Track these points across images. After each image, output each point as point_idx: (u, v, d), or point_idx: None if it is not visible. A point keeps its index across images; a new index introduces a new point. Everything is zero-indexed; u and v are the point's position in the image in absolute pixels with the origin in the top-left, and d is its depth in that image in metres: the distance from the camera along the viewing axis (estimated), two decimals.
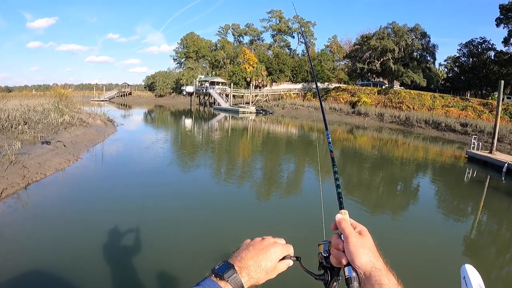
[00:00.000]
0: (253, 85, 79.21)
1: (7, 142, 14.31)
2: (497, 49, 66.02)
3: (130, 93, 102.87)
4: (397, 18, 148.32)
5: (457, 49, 73.54)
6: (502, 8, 57.28)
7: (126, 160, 18.05)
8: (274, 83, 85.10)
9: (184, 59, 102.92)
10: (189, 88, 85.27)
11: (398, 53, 62.52)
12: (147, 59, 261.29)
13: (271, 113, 61.76)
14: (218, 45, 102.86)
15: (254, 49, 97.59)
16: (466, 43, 70.65)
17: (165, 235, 8.73)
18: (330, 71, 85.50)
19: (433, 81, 69.95)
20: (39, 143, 16.12)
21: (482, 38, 68.62)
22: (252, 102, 69.88)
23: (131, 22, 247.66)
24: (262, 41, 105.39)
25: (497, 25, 59.69)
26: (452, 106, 50.37)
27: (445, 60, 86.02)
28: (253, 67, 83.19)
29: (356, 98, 59.71)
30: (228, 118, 52.21)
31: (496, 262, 9.06)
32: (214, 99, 74.46)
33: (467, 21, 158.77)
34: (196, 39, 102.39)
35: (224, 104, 69.09)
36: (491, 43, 67.74)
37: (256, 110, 62.27)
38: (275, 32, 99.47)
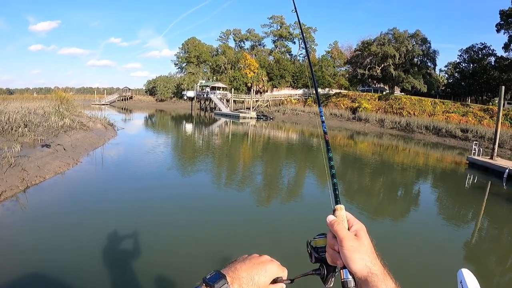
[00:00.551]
0: (253, 90, 79.21)
1: (7, 145, 14.29)
2: (497, 54, 66.16)
3: (131, 97, 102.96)
4: (397, 24, 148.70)
5: (458, 55, 73.69)
6: (502, 13, 57.40)
7: (126, 164, 18.04)
8: (275, 89, 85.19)
9: (185, 64, 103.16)
10: (190, 93, 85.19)
11: (399, 59, 62.52)
12: (149, 64, 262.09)
13: (272, 118, 61.73)
14: (219, 50, 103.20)
15: (255, 55, 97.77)
16: (466, 48, 70.77)
17: (164, 239, 8.70)
18: (331, 77, 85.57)
19: (433, 87, 69.87)
20: (39, 146, 16.10)
21: (482, 44, 68.75)
22: (252, 108, 69.88)
23: (133, 26, 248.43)
24: (263, 46, 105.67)
25: (497, 31, 59.78)
26: (452, 112, 50.36)
27: (445, 66, 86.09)
28: (254, 73, 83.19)
29: (356, 104, 59.68)
30: (228, 123, 52.14)
31: (496, 268, 9.03)
32: (214, 104, 74.39)
33: (467, 27, 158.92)
34: (197, 44, 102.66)
35: (224, 109, 69.09)
36: (492, 48, 67.93)
37: (257, 115, 62.32)
38: (276, 38, 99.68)
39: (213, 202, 12.59)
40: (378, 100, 60.97)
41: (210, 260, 7.54)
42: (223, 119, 58.82)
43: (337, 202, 1.25)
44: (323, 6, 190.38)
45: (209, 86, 79.95)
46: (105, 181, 14.54)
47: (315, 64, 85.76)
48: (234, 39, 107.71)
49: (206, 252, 8.11)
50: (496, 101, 55.11)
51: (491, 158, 22.94)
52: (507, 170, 19.36)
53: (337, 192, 1.28)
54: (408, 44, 62.81)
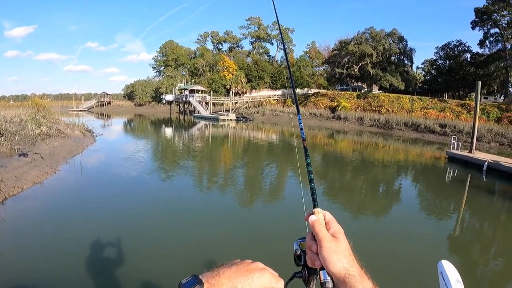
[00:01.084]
0: (233, 92, 78.99)
1: None
2: (473, 51, 67.89)
3: (109, 103, 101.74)
4: (375, 24, 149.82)
5: (434, 52, 75.17)
6: (477, 11, 58.72)
7: (106, 171, 17.56)
8: (253, 90, 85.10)
9: (163, 67, 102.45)
10: (169, 97, 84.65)
11: (376, 57, 63.11)
12: (127, 68, 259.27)
13: (252, 120, 61.64)
14: (197, 52, 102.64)
15: (233, 57, 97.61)
16: (442, 46, 72.21)
17: (147, 243, 8.44)
18: (309, 77, 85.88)
19: (411, 84, 70.64)
20: (16, 156, 15.57)
21: (458, 41, 70.19)
22: (232, 110, 69.66)
23: (110, 30, 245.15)
24: (241, 48, 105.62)
25: (473, 28, 61.17)
26: (430, 108, 51.02)
27: (422, 63, 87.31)
28: (232, 75, 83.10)
29: (335, 103, 60.02)
30: (208, 126, 51.85)
31: (478, 258, 9.03)
32: (194, 107, 74.05)
33: (443, 25, 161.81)
34: (175, 47, 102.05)
35: (204, 112, 68.75)
36: (467, 45, 69.67)
37: (236, 117, 62.12)
38: (254, 39, 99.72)
39: (194, 205, 12.35)
40: (357, 98, 61.40)
41: (194, 263, 7.33)
42: (202, 122, 58.52)
43: (315, 206, 1.24)
44: (300, 7, 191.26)
45: (187, 89, 79.57)
46: (85, 189, 14.08)
47: (293, 65, 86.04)
48: (212, 42, 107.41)
49: (189, 255, 7.87)
50: (473, 96, 56.18)
51: (470, 151, 23.12)
52: (486, 163, 19.55)
53: (315, 196, 1.27)
54: (385, 42, 63.45)
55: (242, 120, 60.45)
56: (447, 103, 52.60)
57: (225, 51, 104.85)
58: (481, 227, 11.83)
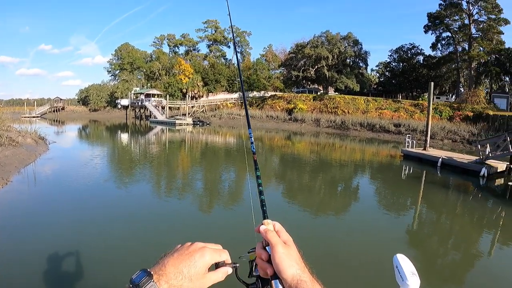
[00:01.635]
0: (189, 96, 78.12)
1: None
2: (425, 53, 69.79)
3: (63, 108, 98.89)
4: (330, 27, 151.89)
5: (388, 55, 77.12)
6: (430, 16, 61.00)
7: (60, 180, 16.78)
8: (210, 94, 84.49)
9: (118, 71, 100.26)
10: (124, 101, 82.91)
11: (332, 60, 63.96)
12: (81, 72, 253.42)
13: (208, 123, 61.12)
14: (153, 56, 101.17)
15: (189, 60, 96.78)
16: (396, 49, 74.11)
17: (102, 251, 8.30)
18: (266, 80, 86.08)
19: (366, 85, 71.95)
20: None
21: (411, 44, 72.43)
22: (188, 114, 68.96)
23: (64, 32, 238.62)
24: (197, 51, 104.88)
25: (425, 32, 63.40)
26: (385, 109, 51.99)
27: (376, 66, 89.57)
28: (189, 78, 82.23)
29: (292, 105, 60.27)
30: (165, 131, 51.04)
31: (435, 250, 9.25)
32: (150, 112, 72.67)
33: (397, 28, 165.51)
34: (131, 50, 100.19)
35: (160, 117, 67.65)
36: (420, 48, 72.01)
37: (193, 121, 61.60)
38: (211, 42, 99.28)
39: (150, 211, 12.15)
40: (313, 100, 61.91)
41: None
42: (159, 127, 57.51)
43: (265, 217, 1.27)
44: (257, 10, 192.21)
45: (143, 93, 78.18)
46: (38, 199, 13.44)
47: (250, 68, 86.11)
48: (168, 45, 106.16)
49: (145, 258, 7.36)
50: (426, 97, 57.67)
51: (424, 149, 23.58)
52: (440, 159, 19.95)
53: (264, 208, 1.32)
54: (341, 46, 64.52)
55: (199, 124, 59.91)
56: (401, 103, 53.87)
57: (182, 54, 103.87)
58: (437, 220, 12.08)
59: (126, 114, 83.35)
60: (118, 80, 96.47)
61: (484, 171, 17.91)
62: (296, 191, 15.48)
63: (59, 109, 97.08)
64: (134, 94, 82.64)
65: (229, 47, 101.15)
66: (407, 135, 27.04)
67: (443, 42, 64.01)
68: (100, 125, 65.35)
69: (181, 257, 1.04)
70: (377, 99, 57.92)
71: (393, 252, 2.33)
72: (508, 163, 19.25)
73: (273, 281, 1.10)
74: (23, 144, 23.90)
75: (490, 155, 18.94)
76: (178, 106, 75.51)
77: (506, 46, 58.07)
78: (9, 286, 6.60)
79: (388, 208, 12.90)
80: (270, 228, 1.19)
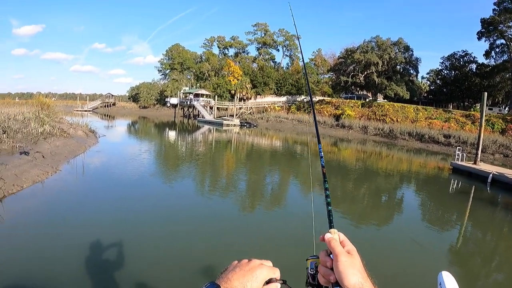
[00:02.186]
0: (237, 97, 78.92)
1: None
2: (478, 61, 67.66)
3: (114, 104, 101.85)
4: (381, 32, 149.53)
5: (440, 62, 75.27)
6: (483, 21, 58.61)
7: (107, 172, 17.46)
8: (258, 96, 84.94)
9: (169, 70, 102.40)
10: (173, 100, 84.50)
11: (382, 66, 63.08)
12: (132, 70, 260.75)
13: (255, 126, 61.55)
14: (203, 57, 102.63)
15: (239, 62, 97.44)
16: (448, 56, 72.10)
17: (149, 249, 8.36)
18: (314, 84, 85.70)
19: (416, 93, 70.55)
20: (17, 154, 15.52)
21: (464, 51, 70.09)
22: (236, 115, 69.68)
23: (117, 32, 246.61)
24: (247, 53, 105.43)
25: (479, 39, 61.05)
26: (435, 118, 50.90)
27: (427, 73, 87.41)
28: (237, 80, 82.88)
29: (340, 111, 59.94)
30: (212, 131, 51.78)
31: (479, 270, 9.03)
32: (198, 111, 73.90)
33: (449, 35, 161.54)
34: (181, 50, 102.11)
35: (208, 117, 68.68)
36: (473, 56, 69.56)
37: (240, 122, 62.11)
38: (260, 45, 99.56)
39: (198, 210, 12.25)
40: (361, 107, 61.28)
41: (198, 270, 7.28)
42: (206, 127, 58.42)
43: (331, 227, 1.32)
44: (307, 14, 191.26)
45: (192, 93, 79.41)
46: (85, 190, 13.92)
47: (299, 72, 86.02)
48: (218, 46, 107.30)
49: (193, 261, 7.79)
50: (478, 107, 56.02)
51: (475, 163, 23.01)
52: (491, 175, 19.44)
53: (331, 217, 1.37)
54: (391, 51, 63.43)
55: (246, 125, 60.41)
56: (452, 113, 52.48)
57: (231, 56, 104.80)
58: (484, 239, 11.79)
59: (175, 112, 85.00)
60: (168, 79, 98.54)
61: None
62: (339, 199, 15.30)
63: (110, 104, 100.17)
64: (183, 93, 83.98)
65: (278, 50, 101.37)
66: (457, 148, 26.48)
67: (497, 49, 61.37)
68: (149, 122, 66.88)
69: (244, 272, 1.15)
70: (427, 108, 56.64)
71: (435, 269, 2.56)
72: None
73: None
74: (74, 136, 24.95)
75: None
76: (226, 107, 76.39)
77: None
78: (47, 270, 6.96)
79: (432, 222, 12.70)
80: (336, 237, 1.26)
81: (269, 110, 73.55)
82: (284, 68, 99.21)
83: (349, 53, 67.11)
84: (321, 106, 65.10)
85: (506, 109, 60.99)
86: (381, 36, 65.85)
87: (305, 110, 67.03)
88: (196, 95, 77.92)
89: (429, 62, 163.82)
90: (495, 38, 59.91)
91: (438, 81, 77.16)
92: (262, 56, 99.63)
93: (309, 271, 1.26)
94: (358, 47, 66.85)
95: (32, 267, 7.02)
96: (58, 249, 7.98)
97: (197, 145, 35.04)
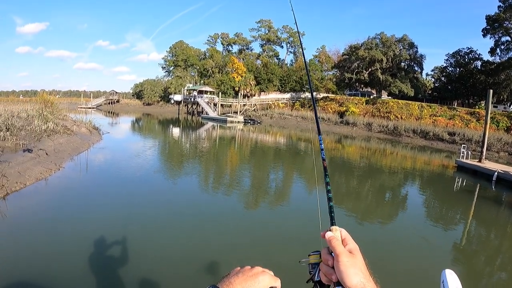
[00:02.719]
0: (241, 94, 78.83)
1: None
2: (483, 59, 67.14)
3: (118, 101, 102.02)
4: (385, 29, 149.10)
5: (444, 59, 74.79)
6: (488, 18, 58.17)
7: (111, 169, 17.49)
8: (262, 93, 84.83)
9: (172, 67, 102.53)
10: (177, 97, 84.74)
11: (386, 63, 62.78)
12: (136, 67, 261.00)
13: (259, 122, 61.59)
14: (207, 54, 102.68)
15: (242, 59, 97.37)
16: (453, 53, 71.68)
17: (152, 246, 8.33)
18: (318, 81, 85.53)
19: (420, 91, 70.25)
20: (20, 151, 15.50)
21: (469, 48, 69.71)
22: (240, 112, 69.78)
23: (121, 29, 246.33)
24: (251, 50, 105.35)
25: (484, 36, 60.62)
26: (439, 116, 50.80)
27: (432, 70, 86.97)
28: (241, 76, 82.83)
29: (344, 108, 59.90)
30: (216, 127, 51.86)
31: (483, 269, 9.04)
32: (202, 108, 74.08)
33: (454, 32, 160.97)
34: (185, 47, 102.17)
35: (212, 113, 68.75)
36: (478, 53, 69.05)
37: (244, 119, 62.22)
38: (264, 42, 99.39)
39: (202, 207, 12.23)
40: (366, 104, 61.25)
41: (201, 268, 7.28)
42: (210, 123, 58.48)
43: (332, 224, 1.28)
44: (311, 10, 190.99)
45: (196, 90, 79.57)
46: (89, 187, 13.95)
47: (303, 68, 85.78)
48: (222, 43, 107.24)
49: (196, 259, 7.79)
50: (483, 105, 55.71)
51: (480, 161, 22.90)
52: (496, 173, 19.37)
53: (333, 214, 1.32)
54: (396, 48, 63.08)
55: (250, 122, 60.52)
56: (457, 111, 52.38)
57: (235, 53, 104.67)
58: (488, 237, 11.78)
59: (179, 109, 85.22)
60: (172, 76, 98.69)
61: None
62: (342, 196, 15.33)
63: (114, 101, 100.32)
64: (187, 90, 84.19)
65: (282, 47, 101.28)
66: (462, 145, 26.35)
67: (502, 47, 60.71)
68: (153, 119, 67.05)
69: (247, 277, 1.15)
70: (432, 105, 56.53)
71: (438, 267, 2.53)
72: None
73: (336, 287, 1.13)
74: (78, 133, 24.90)
75: None
76: (230, 103, 76.53)
77: None
78: (51, 266, 6.96)
79: (436, 220, 12.65)
80: (337, 235, 1.23)
81: (273, 107, 73.61)
82: (288, 64, 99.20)
83: (353, 49, 66.82)
84: (325, 103, 65.04)
85: (511, 107, 60.72)
86: (385, 32, 65.53)
87: (309, 107, 66.98)
88: (200, 92, 78.09)
89: (433, 59, 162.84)
90: (500, 35, 59.40)
91: (442, 78, 76.84)
92: (266, 52, 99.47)
93: (310, 268, 1.25)
94: (362, 43, 66.50)
95: (35, 264, 7.03)
96: (61, 246, 7.99)
97: (201, 141, 35.09)
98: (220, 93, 76.88)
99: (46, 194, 12.20)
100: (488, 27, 59.37)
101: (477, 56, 69.20)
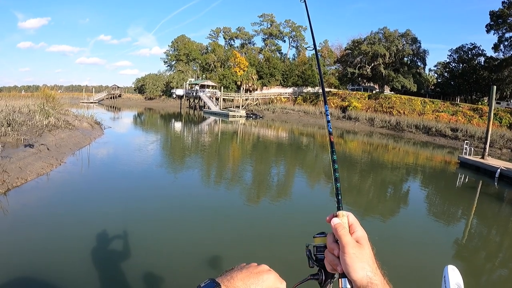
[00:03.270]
0: (243, 88, 78.76)
1: None
2: (487, 55, 66.75)
3: (120, 95, 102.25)
4: (388, 24, 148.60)
5: (447, 55, 74.30)
6: (492, 14, 57.81)
7: (112, 164, 17.49)
8: (264, 87, 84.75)
9: (174, 61, 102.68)
10: (179, 91, 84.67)
11: (389, 58, 62.58)
12: (138, 62, 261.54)
13: (261, 117, 61.57)
14: (209, 48, 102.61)
15: (245, 53, 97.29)
16: (456, 48, 71.30)
17: (154, 241, 8.28)
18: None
19: (423, 86, 70.10)
20: (22, 146, 15.45)
21: (472, 44, 69.24)
22: (242, 106, 69.62)
23: (123, 24, 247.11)
24: (253, 45, 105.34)
25: (487, 31, 60.28)
26: (442, 111, 50.61)
27: (435, 66, 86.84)
28: (243, 71, 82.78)
29: (346, 103, 59.78)
30: (218, 122, 51.85)
31: (485, 265, 9.03)
32: (204, 102, 73.97)
33: (457, 27, 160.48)
34: (187, 42, 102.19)
35: (214, 108, 68.74)
36: (481, 49, 68.55)
37: (246, 114, 62.18)
38: (266, 36, 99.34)
39: (205, 201, 12.21)
40: (368, 99, 61.13)
41: (202, 263, 7.24)
42: (212, 118, 58.45)
43: (339, 208, 1.21)
44: (313, 5, 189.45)
45: (198, 84, 79.56)
46: (90, 181, 13.90)
47: (305, 63, 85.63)
48: (224, 37, 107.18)
49: (198, 254, 7.75)
50: (486, 101, 55.54)
51: (482, 157, 22.78)
52: (499, 170, 19.25)
53: (340, 197, 1.25)
54: (399, 43, 62.85)
55: (252, 117, 60.44)
56: (459, 106, 52.12)
57: (237, 47, 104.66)
58: (490, 234, 11.72)
59: (181, 103, 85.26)
60: (174, 71, 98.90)
61: None
62: (344, 191, 15.02)
63: (116, 96, 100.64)
64: (189, 84, 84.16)
65: (284, 41, 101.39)
66: (465, 142, 26.19)
67: (506, 43, 60.21)
68: (155, 113, 67.09)
69: (250, 274, 1.08)
70: (435, 101, 56.29)
71: (440, 263, 2.48)
72: None
73: (342, 279, 1.09)
74: (79, 127, 24.91)
75: None
76: (232, 98, 76.56)
77: None
78: (52, 262, 6.91)
79: (438, 216, 12.61)
80: (344, 220, 1.17)
81: (275, 101, 73.52)
82: (291, 59, 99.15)
83: (356, 44, 66.58)
84: (328, 98, 64.60)
85: None
86: (388, 27, 65.24)
87: (311, 102, 66.98)
88: (202, 86, 78.09)
89: (436, 55, 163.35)
90: (504, 31, 58.97)
91: (445, 74, 76.49)
92: (268, 47, 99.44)
93: (316, 254, 1.19)
94: (365, 38, 66.27)
95: (37, 259, 7.00)
96: (63, 241, 7.97)
97: (203, 136, 35.04)
98: (222, 87, 76.71)
99: (47, 190, 12.14)
100: (491, 23, 58.99)
101: (480, 52, 68.82)
